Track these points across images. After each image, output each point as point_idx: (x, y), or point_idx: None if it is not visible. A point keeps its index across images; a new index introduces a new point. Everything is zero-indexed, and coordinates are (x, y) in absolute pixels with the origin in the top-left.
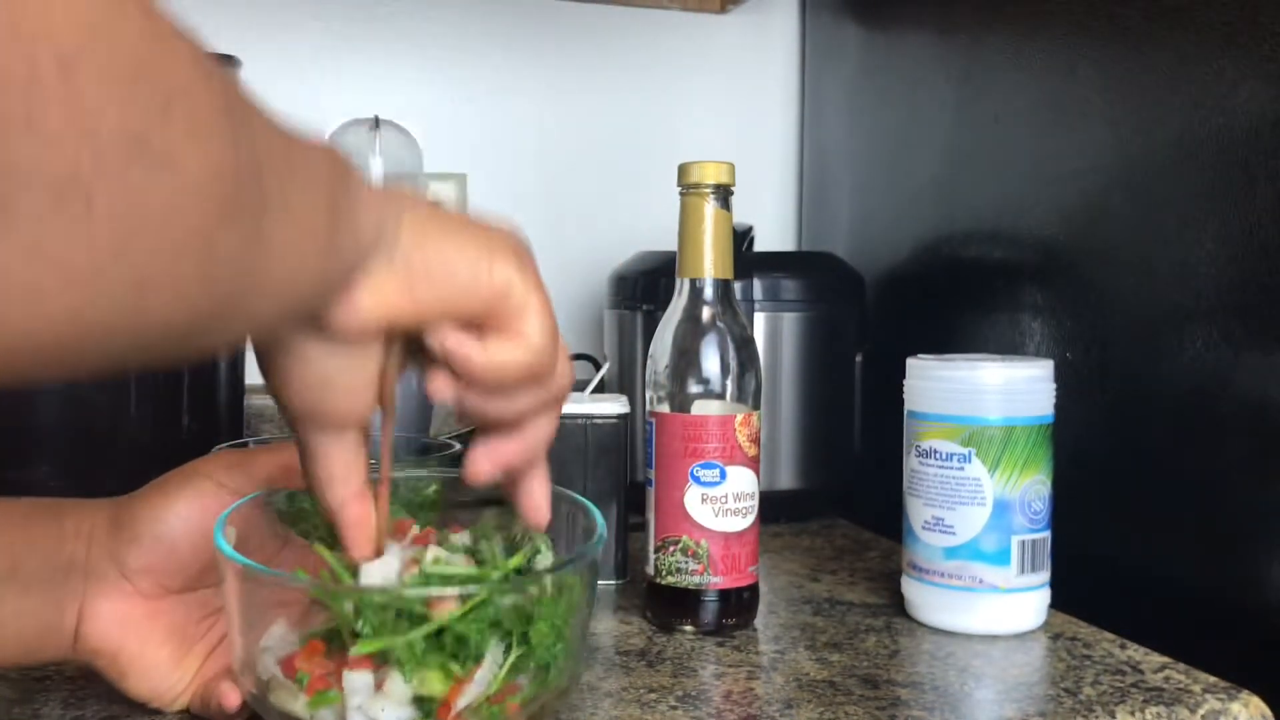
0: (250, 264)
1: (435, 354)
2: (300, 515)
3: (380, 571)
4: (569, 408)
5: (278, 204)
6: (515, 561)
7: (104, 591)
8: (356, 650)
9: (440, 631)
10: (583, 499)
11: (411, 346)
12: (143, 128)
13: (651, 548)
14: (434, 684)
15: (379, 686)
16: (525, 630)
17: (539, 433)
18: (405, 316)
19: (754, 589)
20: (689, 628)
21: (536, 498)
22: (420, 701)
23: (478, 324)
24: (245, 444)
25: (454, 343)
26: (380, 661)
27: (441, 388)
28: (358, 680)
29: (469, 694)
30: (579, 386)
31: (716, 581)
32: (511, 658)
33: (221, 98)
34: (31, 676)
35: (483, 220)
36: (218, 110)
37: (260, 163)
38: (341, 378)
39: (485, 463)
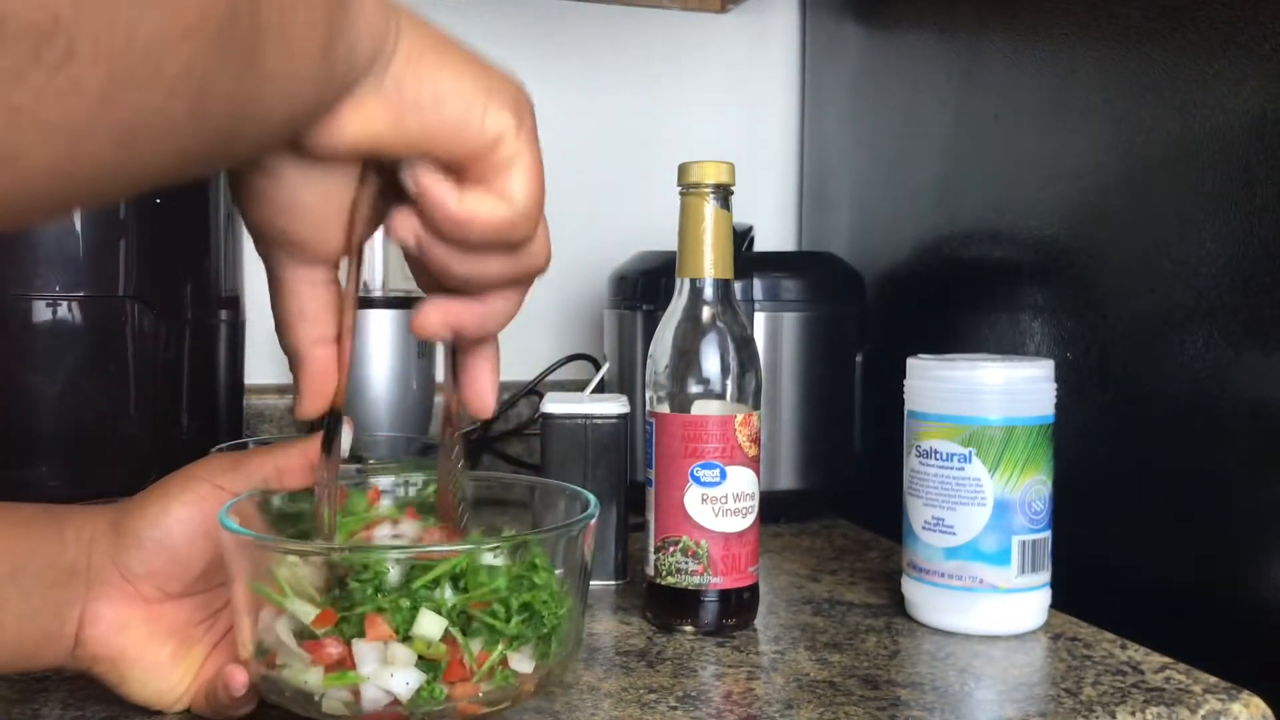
0: (244, 97)
1: (409, 192)
2: (297, 515)
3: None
4: (569, 407)
5: (274, 30)
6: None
7: (105, 595)
8: (347, 611)
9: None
10: (579, 488)
11: (385, 189)
12: None
13: (651, 548)
14: (428, 626)
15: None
16: (528, 599)
17: (500, 306)
18: (387, 145)
19: (754, 589)
20: (689, 628)
21: (483, 382)
22: (425, 663)
23: (461, 169)
24: (244, 444)
25: (429, 181)
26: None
27: (404, 227)
28: (366, 650)
29: (473, 647)
30: (579, 387)
31: (716, 582)
32: (516, 622)
33: None
34: (31, 677)
35: (487, 60)
36: None
37: None
38: (312, 202)
39: (436, 315)
